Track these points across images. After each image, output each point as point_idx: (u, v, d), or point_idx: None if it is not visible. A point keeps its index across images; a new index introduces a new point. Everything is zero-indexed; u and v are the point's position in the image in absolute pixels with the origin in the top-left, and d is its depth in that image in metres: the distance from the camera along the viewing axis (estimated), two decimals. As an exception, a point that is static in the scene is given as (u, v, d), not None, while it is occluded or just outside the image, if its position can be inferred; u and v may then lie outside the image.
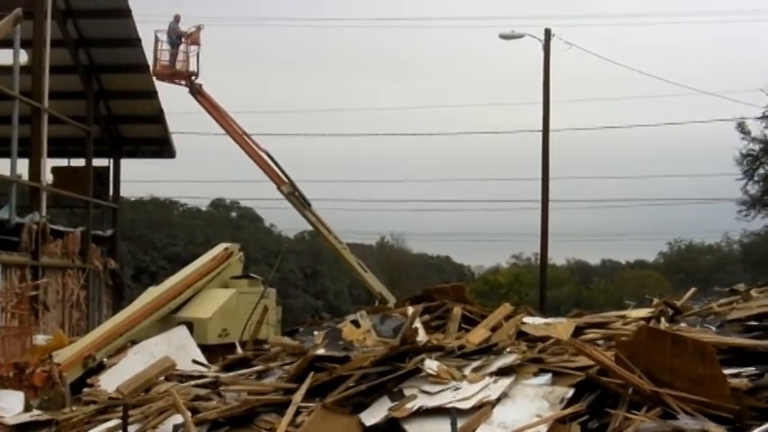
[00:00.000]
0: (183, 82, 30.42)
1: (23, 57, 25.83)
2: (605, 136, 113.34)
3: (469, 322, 13.53)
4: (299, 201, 29.95)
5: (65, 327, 25.07)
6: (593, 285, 69.97)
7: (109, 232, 31.08)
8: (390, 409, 9.02)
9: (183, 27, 30.61)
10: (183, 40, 30.27)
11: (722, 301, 13.40)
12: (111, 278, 30.11)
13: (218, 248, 20.72)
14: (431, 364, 9.79)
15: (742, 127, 44.03)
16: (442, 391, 9.22)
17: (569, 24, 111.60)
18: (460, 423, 8.39)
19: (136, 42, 29.13)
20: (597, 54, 52.31)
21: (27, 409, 12.98)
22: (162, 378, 13.03)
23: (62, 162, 31.13)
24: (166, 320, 18.46)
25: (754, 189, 44.76)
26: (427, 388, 9.33)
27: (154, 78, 30.29)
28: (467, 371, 9.75)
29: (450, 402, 8.84)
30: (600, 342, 10.87)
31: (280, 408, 9.76)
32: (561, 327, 12.21)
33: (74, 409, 12.48)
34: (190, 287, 19.33)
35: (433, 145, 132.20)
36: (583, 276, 75.65)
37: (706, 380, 7.98)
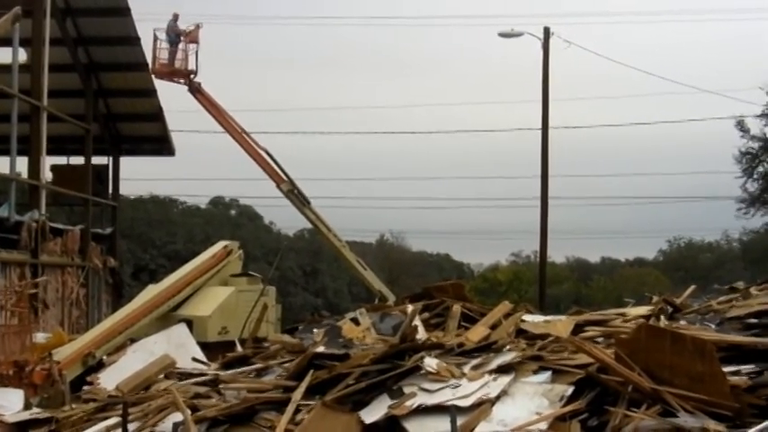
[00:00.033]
0: (181, 80, 30.44)
1: (23, 55, 25.84)
2: (604, 134, 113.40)
3: (469, 320, 13.53)
4: (298, 199, 29.96)
5: (64, 325, 25.07)
6: (593, 283, 69.98)
7: (108, 230, 31.09)
8: (390, 406, 9.02)
9: (182, 26, 30.63)
10: (181, 38, 30.28)
11: (722, 298, 13.41)
12: (110, 276, 30.12)
13: (218, 246, 20.72)
14: (430, 362, 9.79)
15: (741, 125, 44.11)
16: (442, 388, 9.22)
17: (568, 23, 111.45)
18: (460, 421, 8.39)
19: (135, 41, 29.14)
20: (596, 52, 52.23)
21: (27, 407, 12.98)
22: (161, 376, 13.04)
23: (61, 160, 31.15)
24: (166, 318, 18.46)
25: (753, 187, 44.85)
26: (427, 386, 9.33)
27: (153, 77, 30.31)
28: (466, 369, 9.75)
29: (449, 400, 8.84)
30: (599, 340, 10.87)
31: (279, 405, 9.76)
32: (561, 324, 12.21)
33: (73, 406, 12.47)
34: (189, 285, 19.33)
35: (432, 143, 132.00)
36: (582, 274, 75.66)
37: (705, 377, 7.98)
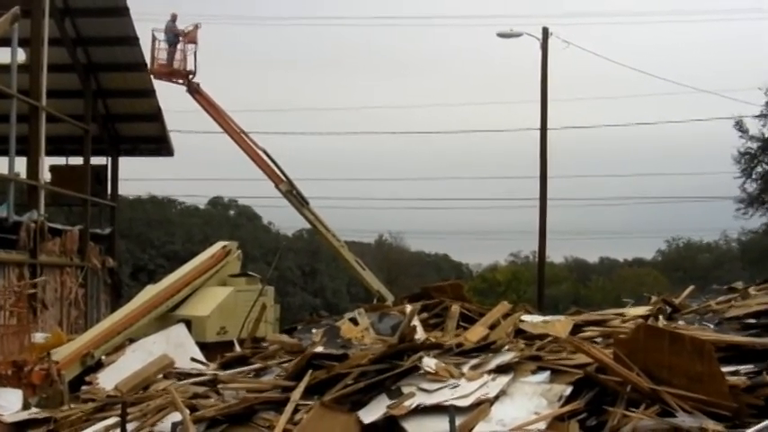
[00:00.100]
0: (180, 81, 30.47)
1: (21, 55, 25.81)
2: (603, 134, 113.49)
3: (468, 320, 13.55)
4: (297, 199, 29.98)
5: (63, 325, 25.03)
6: (592, 283, 70.08)
7: (107, 230, 31.06)
8: (389, 406, 9.02)
9: (181, 26, 30.66)
10: (180, 38, 30.30)
11: (720, 298, 13.43)
12: (109, 276, 30.09)
13: (217, 246, 20.71)
14: (429, 362, 9.80)
15: (740, 125, 44.15)
16: (441, 388, 9.23)
17: (567, 23, 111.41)
18: (459, 421, 8.39)
19: (133, 41, 29.11)
20: (595, 53, 52.27)
21: (25, 407, 12.96)
22: (160, 376, 13.04)
23: (60, 160, 31.10)
24: (165, 318, 18.45)
25: (752, 187, 44.88)
26: (425, 386, 9.33)
27: (151, 77, 30.32)
28: (465, 369, 9.75)
29: (448, 400, 8.84)
30: (598, 340, 10.88)
31: (278, 405, 9.76)
32: (559, 324, 12.22)
33: (72, 406, 12.48)
34: (188, 285, 19.32)
35: (432, 143, 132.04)
36: (581, 274, 75.75)
37: (704, 377, 7.98)
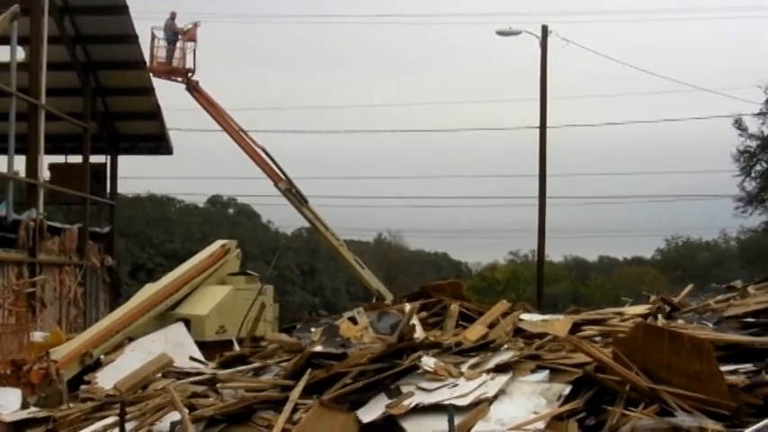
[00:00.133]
0: (179, 79, 30.49)
1: (20, 53, 25.80)
2: (602, 132, 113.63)
3: (467, 319, 13.54)
4: (296, 197, 30.00)
5: (62, 324, 25.03)
6: (591, 282, 70.07)
7: (106, 229, 31.06)
8: (388, 405, 9.02)
9: (180, 24, 30.67)
10: (179, 36, 30.32)
11: (719, 297, 13.42)
12: (108, 275, 30.08)
13: (216, 245, 20.71)
14: (428, 361, 9.79)
15: (739, 124, 44.21)
16: (440, 387, 9.22)
17: (566, 21, 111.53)
18: (458, 420, 8.38)
19: (133, 39, 29.10)
20: (594, 51, 52.17)
21: (24, 406, 12.95)
22: (159, 375, 13.02)
23: (59, 159, 31.07)
24: (164, 317, 18.44)
25: (751, 186, 44.95)
26: (424, 385, 9.33)
27: (151, 75, 30.31)
28: (464, 368, 9.75)
29: (447, 399, 8.83)
30: (597, 339, 10.87)
31: (277, 405, 9.75)
32: (558, 323, 12.21)
33: (71, 406, 12.47)
34: (187, 284, 19.31)
35: (431, 141, 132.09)
36: (580, 273, 75.73)
37: (703, 377, 7.98)
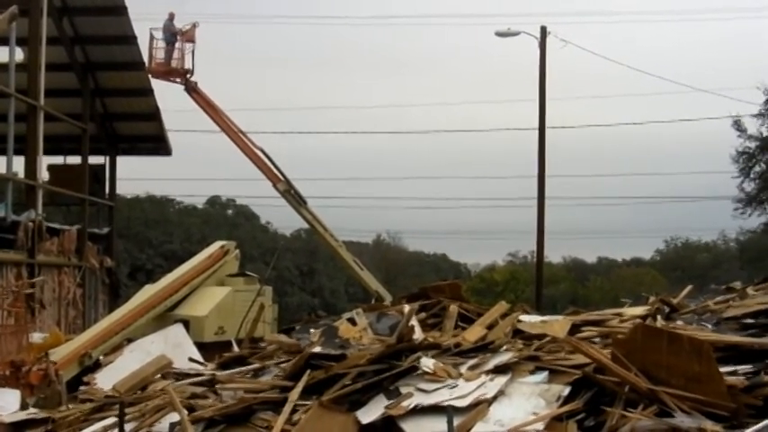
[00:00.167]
0: (178, 80, 30.50)
1: (19, 54, 25.80)
2: (601, 133, 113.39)
3: (466, 320, 13.52)
4: (294, 198, 30.00)
5: (61, 325, 25.03)
6: (590, 283, 70.07)
7: (105, 230, 31.06)
8: (387, 407, 9.01)
9: (178, 25, 30.69)
10: (177, 37, 30.33)
11: (719, 298, 13.41)
12: (107, 276, 30.08)
13: (215, 246, 20.73)
14: (427, 362, 9.78)
15: (738, 124, 44.21)
16: (439, 389, 9.21)
17: (565, 22, 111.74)
18: (457, 421, 8.38)
19: (131, 40, 29.11)
20: (593, 51, 52.21)
21: (23, 407, 12.96)
22: (158, 376, 13.02)
23: (58, 160, 31.08)
24: (163, 318, 18.46)
25: (750, 187, 44.94)
26: (423, 386, 9.32)
27: (149, 76, 30.31)
28: (463, 369, 9.74)
29: (446, 400, 8.82)
30: (596, 340, 10.87)
31: (276, 406, 9.74)
32: (557, 324, 12.19)
33: (70, 407, 12.47)
34: (186, 285, 19.33)
35: (430, 142, 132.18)
36: (579, 274, 75.76)
37: (702, 378, 7.97)
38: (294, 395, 9.71)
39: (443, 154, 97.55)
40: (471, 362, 9.98)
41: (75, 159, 30.63)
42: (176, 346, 15.92)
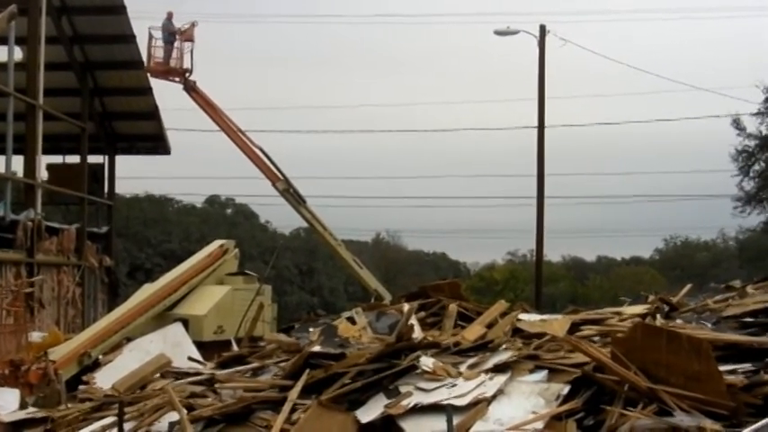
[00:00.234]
0: (177, 79, 30.48)
1: (18, 54, 25.78)
2: (601, 132, 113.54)
3: (465, 319, 13.52)
4: (293, 197, 29.99)
5: (60, 324, 25.02)
6: (589, 282, 70.08)
7: (104, 229, 31.04)
8: (386, 406, 9.00)
9: (178, 24, 30.68)
10: (176, 36, 30.31)
11: (718, 297, 13.41)
12: (106, 275, 30.06)
13: (214, 245, 20.72)
14: (426, 361, 9.78)
15: (737, 123, 44.20)
16: (438, 387, 9.20)
17: (564, 20, 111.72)
18: (456, 420, 8.37)
19: (130, 39, 29.09)
20: (592, 50, 52.30)
21: (23, 406, 12.95)
22: (157, 375, 13.01)
23: (57, 159, 31.06)
24: (162, 317, 18.45)
25: (749, 185, 44.95)
26: (423, 385, 9.31)
27: (148, 75, 30.29)
28: (462, 368, 9.74)
29: (445, 399, 8.82)
30: (595, 339, 10.86)
31: (275, 405, 9.74)
32: (557, 323, 12.19)
33: (69, 406, 12.46)
34: (185, 284, 19.33)
35: (429, 141, 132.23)
36: (578, 273, 75.76)
37: (702, 376, 7.97)
38: (293, 394, 9.70)
39: (443, 153, 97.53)
40: (471, 361, 9.98)
41: (74, 158, 30.62)
42: (175, 346, 15.91)
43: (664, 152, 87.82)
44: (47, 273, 25.45)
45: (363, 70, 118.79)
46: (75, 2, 28.30)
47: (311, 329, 14.01)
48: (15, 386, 14.06)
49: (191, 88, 30.37)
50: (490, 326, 12.56)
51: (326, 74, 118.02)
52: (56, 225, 27.16)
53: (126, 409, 10.60)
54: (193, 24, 30.83)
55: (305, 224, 34.01)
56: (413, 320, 12.43)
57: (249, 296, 19.27)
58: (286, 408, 9.43)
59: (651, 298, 13.86)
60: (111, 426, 10.53)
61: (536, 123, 34.59)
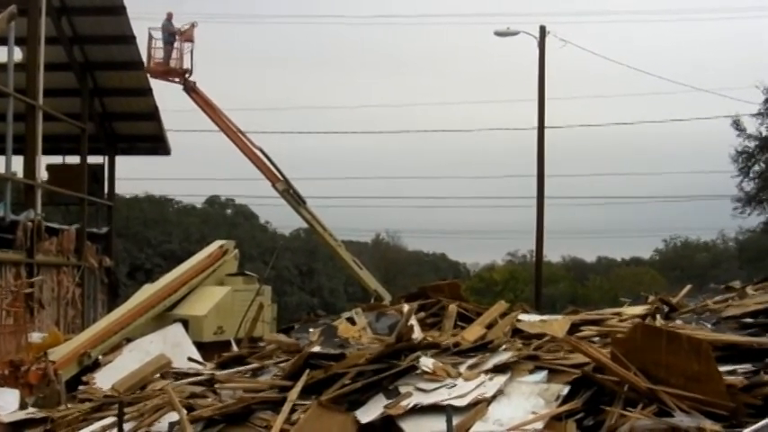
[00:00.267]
0: (176, 79, 30.48)
1: (18, 54, 25.78)
2: (600, 133, 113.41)
3: (465, 320, 13.52)
4: (293, 198, 29.98)
5: (60, 324, 25.02)
6: (589, 282, 70.04)
7: (104, 230, 31.04)
8: (386, 406, 9.00)
9: (178, 24, 30.67)
10: (176, 37, 30.31)
11: (718, 298, 13.41)
12: (106, 276, 30.06)
13: (214, 246, 20.73)
14: (426, 362, 9.78)
15: (737, 124, 44.20)
16: (438, 388, 9.20)
17: (564, 21, 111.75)
18: (456, 420, 8.37)
19: (130, 39, 29.09)
20: (592, 51, 52.35)
21: (22, 406, 12.95)
22: (157, 376, 13.02)
23: (57, 159, 31.06)
24: (162, 318, 18.46)
25: (749, 186, 44.95)
26: (423, 385, 9.31)
27: (148, 76, 30.29)
28: (462, 368, 9.73)
29: (445, 400, 8.82)
30: (595, 339, 10.86)
31: (275, 405, 9.74)
32: (557, 324, 12.19)
33: (69, 406, 12.46)
34: (185, 285, 19.33)
35: (429, 141, 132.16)
36: (578, 273, 75.75)
37: (701, 377, 7.96)
38: (293, 395, 9.70)
39: (443, 153, 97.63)
40: (470, 361, 9.97)
41: (73, 159, 30.62)
42: (175, 346, 15.92)
43: (663, 153, 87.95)
44: (47, 273, 25.45)
45: (363, 71, 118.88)
46: (75, 2, 28.30)
47: (311, 330, 14.01)
48: (15, 386, 14.07)
49: (190, 89, 30.36)
50: (490, 326, 12.56)
51: (326, 74, 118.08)
52: (56, 225, 27.15)
53: (126, 410, 10.60)
54: (193, 25, 30.83)
55: (305, 225, 33.99)
56: (412, 321, 12.43)
57: (249, 297, 19.27)
58: (286, 408, 9.43)
59: (651, 299, 13.86)
60: (110, 426, 10.53)
61: (536, 124, 34.61)
